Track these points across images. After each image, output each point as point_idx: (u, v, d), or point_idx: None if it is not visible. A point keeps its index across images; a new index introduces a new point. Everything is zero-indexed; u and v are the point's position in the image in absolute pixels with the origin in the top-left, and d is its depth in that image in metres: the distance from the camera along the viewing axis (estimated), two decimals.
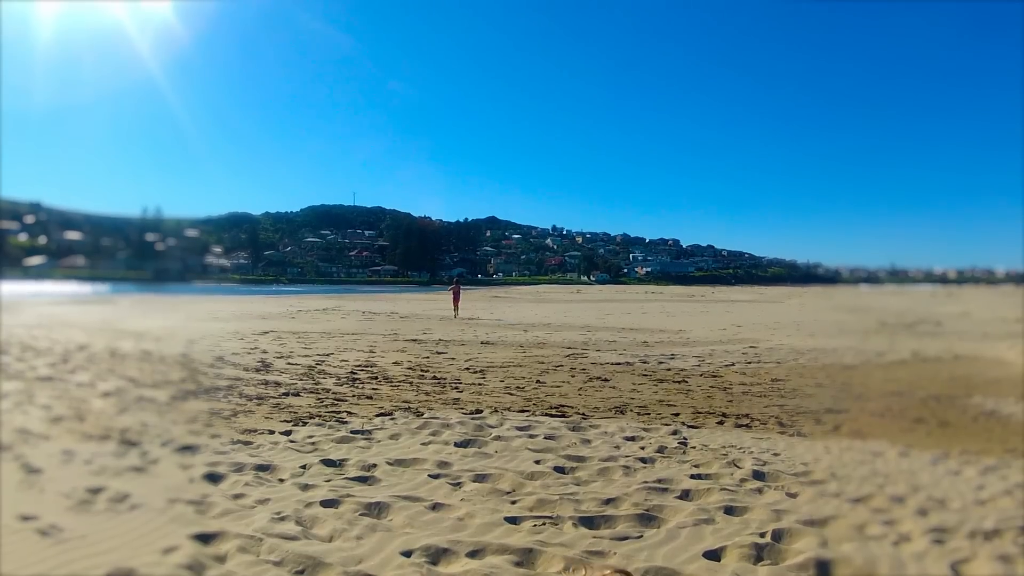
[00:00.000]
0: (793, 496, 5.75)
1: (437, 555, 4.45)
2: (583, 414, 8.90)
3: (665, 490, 5.78)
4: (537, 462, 6.60)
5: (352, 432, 7.63)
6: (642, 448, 7.18)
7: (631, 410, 9.23)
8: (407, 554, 4.46)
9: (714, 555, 4.52)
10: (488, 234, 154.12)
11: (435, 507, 5.32)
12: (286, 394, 9.91)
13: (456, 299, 31.80)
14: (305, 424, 8.06)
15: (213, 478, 5.91)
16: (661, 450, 7.09)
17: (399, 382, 11.16)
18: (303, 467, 6.30)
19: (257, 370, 12.14)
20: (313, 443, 7.16)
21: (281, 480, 5.93)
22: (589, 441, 7.46)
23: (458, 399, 9.79)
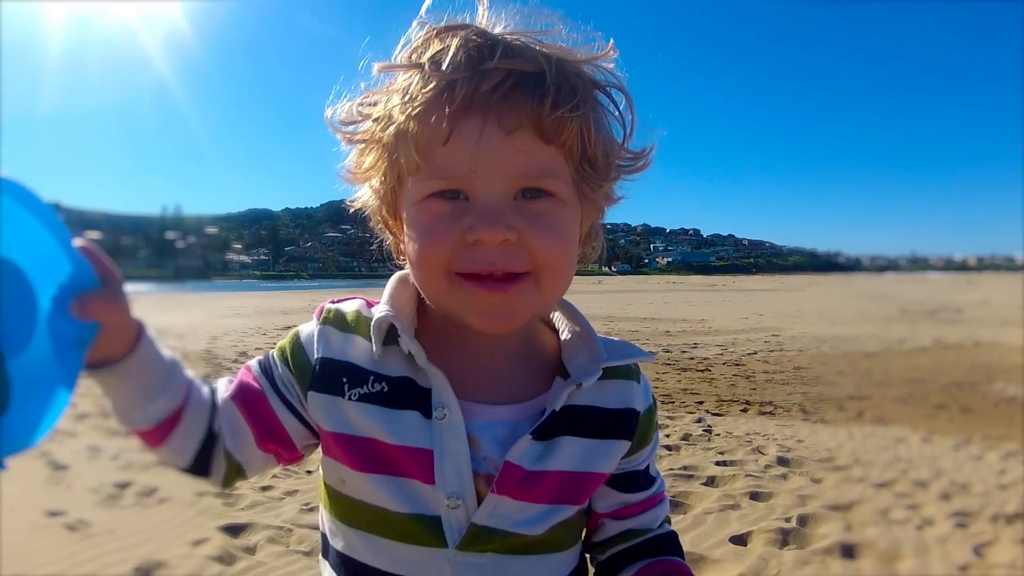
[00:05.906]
0: (817, 482, 5.75)
1: None
2: None
3: (691, 477, 5.79)
4: None
5: None
6: (667, 436, 7.18)
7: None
8: None
9: (740, 540, 4.53)
10: None
11: None
12: None
13: None
14: None
15: None
16: (686, 437, 7.09)
17: None
18: None
19: None
20: None
21: (309, 472, 5.98)
22: None
23: None
